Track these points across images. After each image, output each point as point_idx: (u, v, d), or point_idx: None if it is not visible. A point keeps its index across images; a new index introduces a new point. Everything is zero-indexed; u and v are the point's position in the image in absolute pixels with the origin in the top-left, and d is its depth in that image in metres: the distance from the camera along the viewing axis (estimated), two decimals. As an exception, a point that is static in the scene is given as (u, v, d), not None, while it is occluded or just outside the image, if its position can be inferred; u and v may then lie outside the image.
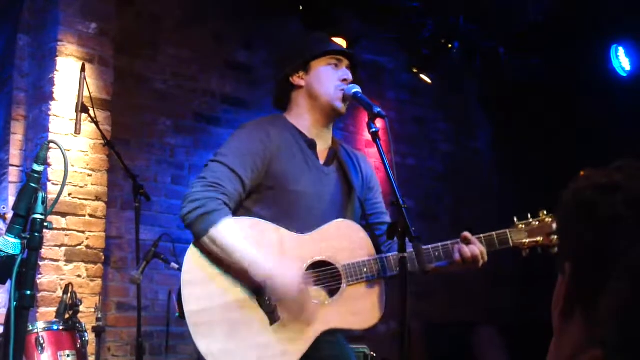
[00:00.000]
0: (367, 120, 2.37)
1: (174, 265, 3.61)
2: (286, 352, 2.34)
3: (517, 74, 6.24)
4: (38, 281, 4.17)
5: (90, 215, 4.48)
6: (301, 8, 5.42)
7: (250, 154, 2.44)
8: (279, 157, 2.47)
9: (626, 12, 5.69)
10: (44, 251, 4.21)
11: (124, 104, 4.90)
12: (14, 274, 1.94)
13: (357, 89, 2.52)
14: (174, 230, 4.95)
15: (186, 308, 2.31)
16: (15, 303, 1.94)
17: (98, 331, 3.71)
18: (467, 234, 2.42)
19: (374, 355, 4.29)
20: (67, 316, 3.38)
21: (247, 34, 5.77)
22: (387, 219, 2.69)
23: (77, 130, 3.86)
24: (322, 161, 2.58)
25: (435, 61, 6.05)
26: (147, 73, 5.22)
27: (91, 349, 3.79)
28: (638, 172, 0.95)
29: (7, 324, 1.96)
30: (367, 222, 2.66)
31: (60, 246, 4.32)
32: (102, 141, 4.21)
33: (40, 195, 2.00)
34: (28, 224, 2.00)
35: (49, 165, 4.27)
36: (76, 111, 3.87)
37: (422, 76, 6.08)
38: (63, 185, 2.19)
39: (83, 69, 3.96)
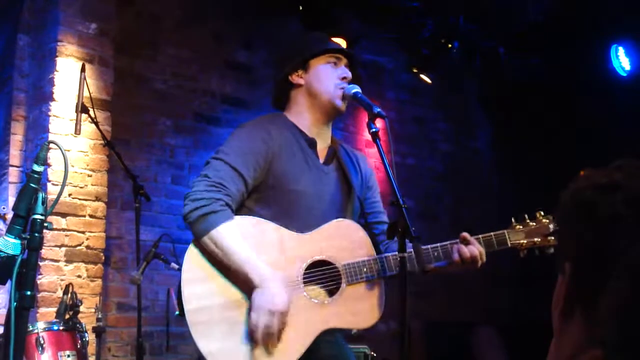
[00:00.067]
0: (367, 120, 2.37)
1: (174, 265, 3.62)
2: (285, 351, 2.34)
3: (517, 74, 6.24)
4: (38, 281, 4.17)
5: (90, 216, 4.48)
6: (301, 8, 5.42)
7: (252, 153, 2.44)
8: (280, 156, 2.47)
9: (626, 12, 5.69)
10: (44, 251, 4.21)
11: (124, 104, 4.90)
12: (14, 274, 1.94)
13: (357, 89, 2.52)
14: (174, 230, 4.95)
15: (186, 307, 2.32)
16: (15, 303, 1.94)
17: (98, 331, 3.71)
18: (465, 234, 2.42)
19: (374, 355, 4.29)
20: (67, 316, 3.38)
21: (247, 34, 5.77)
22: (385, 218, 2.69)
23: (77, 131, 3.86)
24: (321, 160, 2.58)
25: (435, 61, 6.05)
26: (147, 73, 5.22)
27: (91, 349, 3.79)
28: (638, 171, 0.95)
29: (7, 324, 1.96)
30: (365, 221, 2.66)
31: (60, 246, 4.32)
32: (102, 141, 4.21)
33: (40, 195, 2.00)
34: (28, 224, 2.00)
35: (49, 165, 4.27)
36: (76, 111, 3.87)
37: (422, 76, 6.08)
38: (63, 185, 2.19)
39: (83, 69, 3.96)
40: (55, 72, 4.37)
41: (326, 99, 2.55)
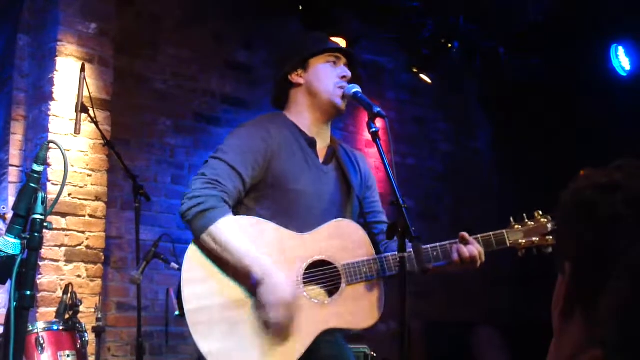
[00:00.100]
0: (367, 120, 2.37)
1: (174, 265, 3.62)
2: (286, 351, 2.33)
3: (517, 74, 6.24)
4: (38, 281, 4.17)
5: (90, 216, 4.48)
6: (301, 8, 5.42)
7: (251, 152, 2.44)
8: (280, 155, 2.47)
9: (626, 12, 5.69)
10: (44, 251, 4.21)
11: (124, 104, 4.90)
12: (14, 274, 1.94)
13: (357, 88, 2.52)
14: (174, 230, 4.95)
15: (186, 307, 2.31)
16: (15, 303, 1.94)
17: (98, 331, 3.71)
18: (464, 234, 2.42)
19: (374, 355, 4.29)
20: (67, 316, 3.38)
21: (247, 34, 5.77)
22: (384, 218, 2.70)
23: (77, 130, 3.86)
24: (321, 160, 2.58)
25: (435, 61, 6.05)
26: (147, 73, 5.22)
27: (91, 349, 3.79)
28: (638, 171, 0.95)
29: (7, 324, 1.96)
30: (364, 221, 2.66)
31: (60, 246, 4.32)
32: (102, 141, 4.20)
33: (40, 195, 2.00)
34: (28, 224, 2.00)
35: (48, 165, 4.27)
36: (76, 111, 3.87)
37: (422, 76, 6.08)
38: (63, 185, 2.19)
39: (83, 69, 3.96)
40: (55, 72, 4.37)
41: (326, 98, 2.55)
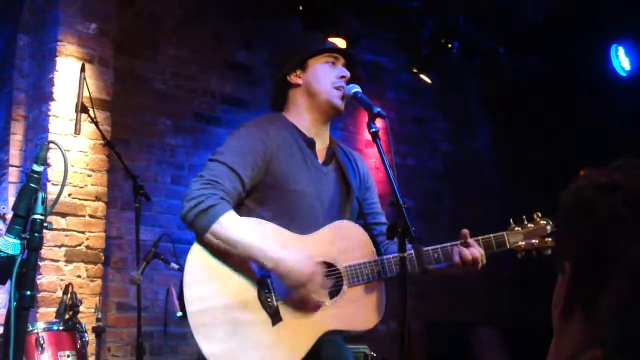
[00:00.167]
0: (367, 120, 2.37)
1: (174, 265, 3.62)
2: (288, 352, 2.34)
3: (517, 74, 6.24)
4: (38, 281, 4.17)
5: (90, 216, 4.48)
6: (301, 8, 5.42)
7: (250, 153, 2.44)
8: (279, 156, 2.48)
9: (626, 12, 5.69)
10: (44, 251, 4.20)
11: (124, 104, 4.90)
12: (14, 274, 1.94)
13: (357, 88, 2.53)
14: (174, 230, 4.95)
15: (188, 308, 2.31)
16: (15, 303, 1.94)
17: (98, 331, 3.71)
18: (466, 231, 2.42)
19: (374, 355, 4.29)
20: (67, 316, 3.38)
21: (247, 34, 5.77)
22: (384, 219, 2.70)
23: (77, 131, 3.86)
24: (320, 160, 2.59)
25: (435, 61, 6.05)
26: (147, 73, 5.22)
27: (91, 349, 3.79)
28: (638, 171, 0.95)
29: (7, 324, 1.96)
30: (364, 222, 2.66)
31: (60, 246, 4.32)
32: (102, 141, 4.20)
33: (40, 195, 2.00)
34: (28, 224, 2.00)
35: (48, 165, 4.27)
36: (76, 111, 3.87)
37: (422, 76, 6.08)
38: (63, 185, 2.19)
39: (83, 69, 3.96)
40: (55, 72, 4.37)
41: (325, 98, 2.56)
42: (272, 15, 5.68)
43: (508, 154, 7.10)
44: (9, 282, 1.97)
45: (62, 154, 2.10)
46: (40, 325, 3.21)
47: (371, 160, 6.09)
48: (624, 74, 6.11)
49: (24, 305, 1.95)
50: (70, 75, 4.37)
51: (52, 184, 4.28)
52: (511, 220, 2.51)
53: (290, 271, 2.31)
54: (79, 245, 4.40)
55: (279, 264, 2.31)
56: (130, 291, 4.86)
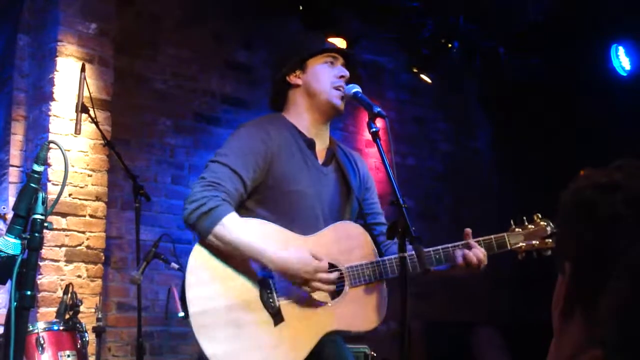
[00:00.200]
0: (367, 120, 2.38)
1: (174, 265, 3.62)
2: (290, 353, 2.34)
3: (517, 74, 6.23)
4: (38, 281, 4.17)
5: (91, 216, 4.48)
6: (301, 8, 5.42)
7: (251, 154, 2.44)
8: (279, 157, 2.48)
9: (626, 12, 5.69)
10: (44, 251, 4.20)
11: (124, 104, 4.90)
12: (14, 274, 1.94)
13: (357, 88, 2.53)
14: (174, 230, 4.95)
15: (191, 310, 2.31)
16: (15, 303, 1.94)
17: (98, 331, 3.71)
18: (468, 231, 2.43)
19: (374, 355, 4.29)
20: (67, 316, 3.38)
21: (247, 34, 5.77)
22: (383, 219, 2.71)
23: (77, 131, 3.86)
24: (320, 161, 2.59)
25: (435, 61, 6.05)
26: (147, 73, 5.22)
27: (91, 349, 3.79)
28: (638, 171, 0.95)
29: (7, 324, 1.96)
30: (364, 222, 2.66)
31: (60, 246, 4.32)
32: (102, 141, 4.20)
33: (41, 195, 2.00)
34: (28, 224, 2.00)
35: (49, 165, 4.27)
36: (76, 111, 3.87)
37: (422, 76, 6.08)
38: (63, 185, 2.19)
39: (83, 69, 3.96)
40: (55, 72, 4.37)
41: (324, 98, 2.56)
42: (272, 15, 5.68)
43: (508, 154, 7.10)
44: (9, 282, 1.97)
45: (63, 154, 2.10)
46: (41, 325, 3.21)
47: (371, 160, 6.09)
48: (624, 74, 6.11)
49: (24, 305, 1.95)
50: (71, 75, 4.37)
51: (53, 184, 4.28)
52: (512, 221, 2.52)
53: (293, 269, 2.32)
54: (79, 245, 4.41)
55: (281, 265, 2.32)
56: (131, 291, 4.86)
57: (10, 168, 4.54)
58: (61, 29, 4.44)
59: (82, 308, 3.54)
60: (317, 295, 2.40)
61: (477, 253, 2.40)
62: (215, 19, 5.57)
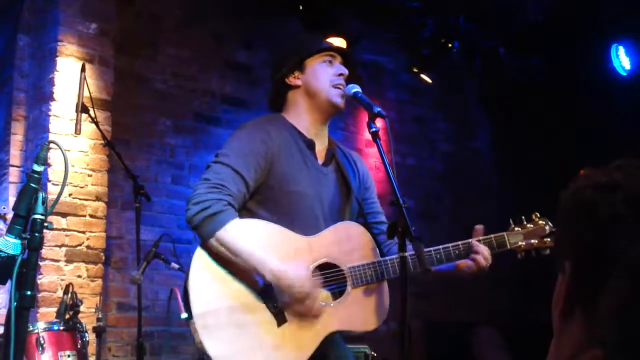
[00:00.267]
0: (367, 120, 2.38)
1: (175, 265, 3.62)
2: (293, 353, 2.34)
3: (517, 74, 6.24)
4: (38, 281, 4.17)
5: (91, 216, 4.48)
6: (301, 8, 5.42)
7: (252, 154, 2.44)
8: (280, 157, 2.48)
9: (626, 12, 5.69)
10: (45, 251, 4.21)
11: (124, 104, 4.90)
12: (14, 274, 1.94)
13: (357, 88, 2.53)
14: (175, 230, 4.96)
15: (194, 311, 2.31)
16: (15, 303, 1.94)
17: (98, 331, 3.71)
18: (479, 227, 2.45)
19: (374, 355, 4.29)
20: (67, 316, 3.38)
21: (247, 34, 5.77)
22: (384, 218, 2.71)
23: (77, 131, 3.86)
24: (320, 161, 2.59)
25: (435, 61, 6.05)
26: (147, 73, 5.22)
27: (92, 349, 3.79)
28: (638, 171, 0.95)
29: (7, 324, 1.96)
30: (364, 222, 2.67)
31: (60, 246, 4.33)
32: (102, 141, 4.20)
33: (41, 195, 2.00)
34: (28, 224, 2.00)
35: (49, 165, 4.27)
36: (76, 111, 3.87)
37: (422, 76, 6.08)
38: (63, 185, 2.19)
39: (83, 69, 3.96)
40: (55, 72, 4.38)
41: (324, 96, 2.56)
42: (272, 15, 5.68)
43: (508, 154, 7.10)
44: (9, 282, 1.97)
45: (63, 154, 2.10)
46: (41, 325, 3.21)
47: (371, 160, 6.09)
48: (624, 74, 6.11)
49: (25, 305, 1.95)
50: (71, 75, 4.38)
51: (53, 184, 4.28)
52: (511, 221, 2.53)
53: (290, 286, 2.31)
54: (80, 245, 4.41)
55: (280, 278, 2.31)
56: (131, 291, 4.86)
57: (10, 168, 4.54)
58: (61, 29, 4.44)
59: (82, 308, 3.54)
60: (314, 307, 2.40)
61: (483, 252, 2.41)
62: (215, 19, 5.57)
